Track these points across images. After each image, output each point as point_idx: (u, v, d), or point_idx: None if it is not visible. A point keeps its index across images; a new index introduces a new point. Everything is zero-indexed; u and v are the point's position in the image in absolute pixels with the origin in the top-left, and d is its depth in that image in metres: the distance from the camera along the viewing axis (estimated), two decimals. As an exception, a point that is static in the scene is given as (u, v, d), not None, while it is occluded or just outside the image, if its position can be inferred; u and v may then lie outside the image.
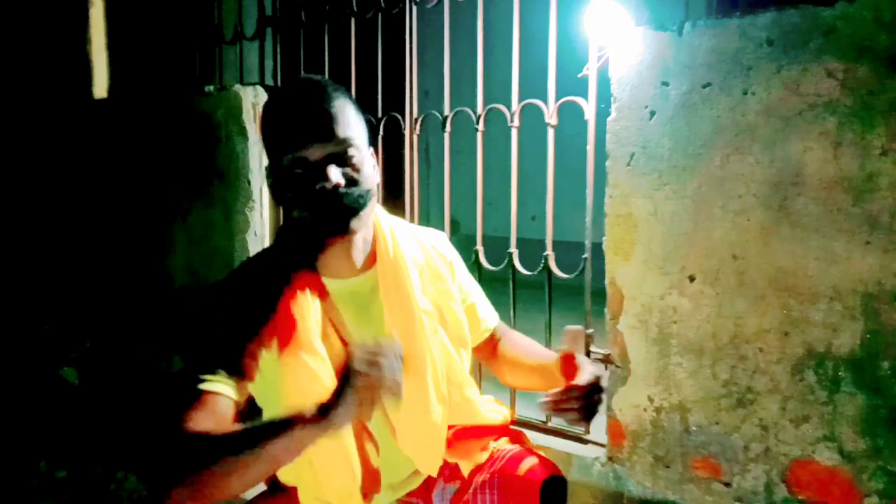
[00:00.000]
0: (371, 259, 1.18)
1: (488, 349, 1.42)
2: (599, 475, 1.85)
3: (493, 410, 1.36)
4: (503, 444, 1.32)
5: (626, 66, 1.73)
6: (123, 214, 2.99)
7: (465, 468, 1.26)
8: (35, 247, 3.30)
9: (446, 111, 2.15)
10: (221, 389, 1.05)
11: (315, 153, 1.04)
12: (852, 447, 1.51)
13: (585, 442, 1.94)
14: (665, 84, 1.67)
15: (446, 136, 2.17)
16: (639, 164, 1.72)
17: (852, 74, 1.45)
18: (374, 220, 1.19)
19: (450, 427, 1.28)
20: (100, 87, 3.13)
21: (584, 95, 1.87)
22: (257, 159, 2.57)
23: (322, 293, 1.13)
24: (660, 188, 1.70)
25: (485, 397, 1.37)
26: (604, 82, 1.81)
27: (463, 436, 1.30)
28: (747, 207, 1.58)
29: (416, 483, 1.28)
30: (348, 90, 1.16)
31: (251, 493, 1.21)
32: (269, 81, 2.64)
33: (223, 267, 2.66)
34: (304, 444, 0.94)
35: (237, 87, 2.58)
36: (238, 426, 1.02)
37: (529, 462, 1.23)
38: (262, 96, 2.57)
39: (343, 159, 1.06)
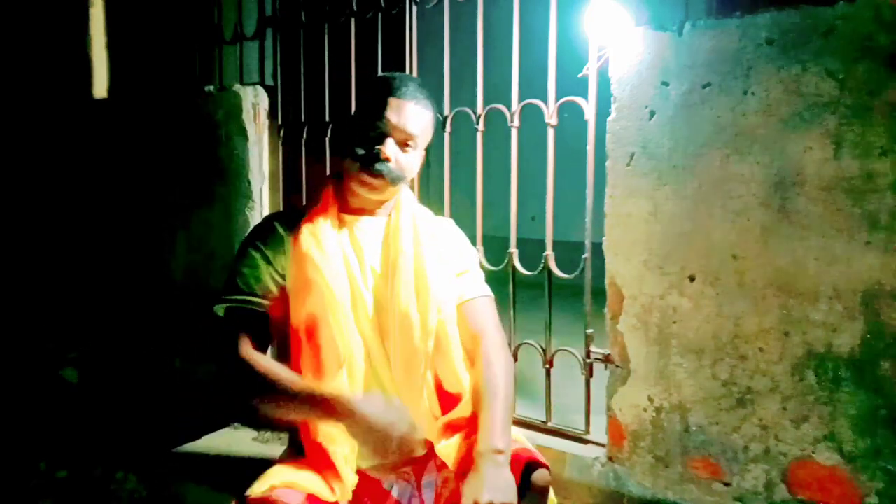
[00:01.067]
0: (383, 211, 1.45)
1: (460, 324, 1.43)
2: (599, 475, 1.85)
3: (467, 370, 1.41)
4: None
5: (626, 66, 1.73)
6: (123, 214, 2.99)
7: (452, 462, 1.31)
8: (35, 247, 3.30)
9: (446, 111, 2.15)
10: (256, 309, 1.32)
11: (388, 130, 1.34)
12: (852, 447, 1.51)
13: (585, 442, 1.94)
14: (665, 84, 1.67)
15: (446, 136, 2.17)
16: (639, 164, 1.72)
17: (852, 74, 1.45)
18: (400, 197, 1.45)
19: (443, 417, 1.36)
20: (100, 87, 3.13)
21: (584, 95, 1.87)
22: (257, 159, 2.57)
23: (341, 221, 1.41)
24: (660, 188, 1.70)
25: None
26: (604, 82, 1.81)
27: (452, 430, 1.35)
28: (747, 207, 1.58)
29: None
30: (438, 81, 1.52)
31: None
32: (269, 81, 2.64)
33: (223, 267, 2.66)
34: (322, 420, 1.25)
35: (237, 87, 2.58)
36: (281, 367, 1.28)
37: (514, 448, 1.30)
38: (263, 96, 2.57)
39: (402, 145, 1.36)
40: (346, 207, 1.43)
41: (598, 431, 1.91)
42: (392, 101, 1.34)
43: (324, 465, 1.29)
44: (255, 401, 1.27)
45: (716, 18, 1.62)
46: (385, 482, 1.36)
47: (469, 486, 1.19)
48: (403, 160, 1.36)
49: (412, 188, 2.23)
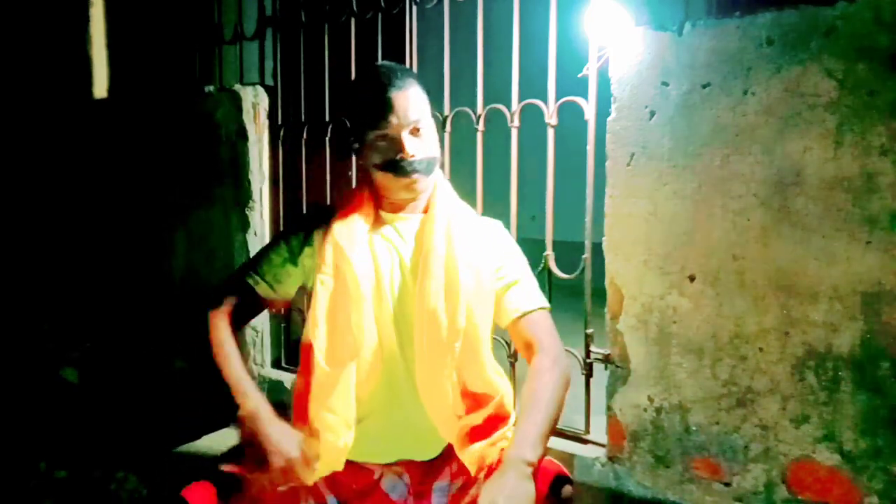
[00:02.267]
0: (423, 210, 1.43)
1: (515, 337, 1.42)
2: (599, 475, 1.85)
3: (497, 373, 1.38)
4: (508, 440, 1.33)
5: (626, 66, 1.73)
6: (123, 214, 2.99)
7: (474, 468, 1.29)
8: (35, 247, 3.30)
9: (446, 111, 2.15)
10: (252, 285, 1.41)
11: (394, 130, 1.32)
12: (852, 447, 1.51)
13: (585, 442, 1.94)
14: (665, 84, 1.67)
15: (446, 136, 2.17)
16: (639, 164, 1.72)
17: (852, 74, 1.45)
18: (434, 185, 1.42)
19: (467, 421, 1.34)
20: (100, 87, 3.13)
21: (584, 95, 1.87)
22: (257, 159, 2.57)
23: (377, 218, 1.41)
24: (660, 188, 1.70)
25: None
26: (604, 82, 1.81)
27: (476, 437, 1.31)
28: (747, 207, 1.58)
29: (408, 455, 1.39)
30: (438, 80, 1.50)
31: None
32: (269, 81, 2.64)
33: (223, 267, 2.66)
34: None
35: (237, 87, 2.58)
36: (233, 347, 1.37)
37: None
38: (263, 96, 2.57)
39: (415, 132, 1.33)
40: (382, 205, 1.42)
41: (598, 431, 1.91)
42: (388, 100, 1.31)
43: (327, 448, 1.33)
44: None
45: (716, 18, 1.62)
46: (375, 473, 1.39)
47: (488, 487, 1.16)
48: (424, 145, 1.34)
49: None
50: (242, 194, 2.58)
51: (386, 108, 1.31)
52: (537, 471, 1.19)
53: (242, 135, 2.56)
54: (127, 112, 2.96)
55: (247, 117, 2.55)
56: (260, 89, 2.57)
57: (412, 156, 1.32)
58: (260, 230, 2.59)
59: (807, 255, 1.52)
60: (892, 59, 1.41)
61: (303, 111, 2.52)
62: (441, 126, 2.16)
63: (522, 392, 1.32)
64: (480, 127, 2.08)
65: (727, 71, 1.59)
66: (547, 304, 1.43)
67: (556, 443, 1.96)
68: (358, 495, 1.38)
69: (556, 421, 1.28)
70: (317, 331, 1.33)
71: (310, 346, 1.34)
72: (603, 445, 1.86)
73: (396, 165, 1.32)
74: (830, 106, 1.48)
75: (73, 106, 3.12)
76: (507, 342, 2.01)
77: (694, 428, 1.69)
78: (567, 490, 1.26)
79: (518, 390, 2.06)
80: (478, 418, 1.33)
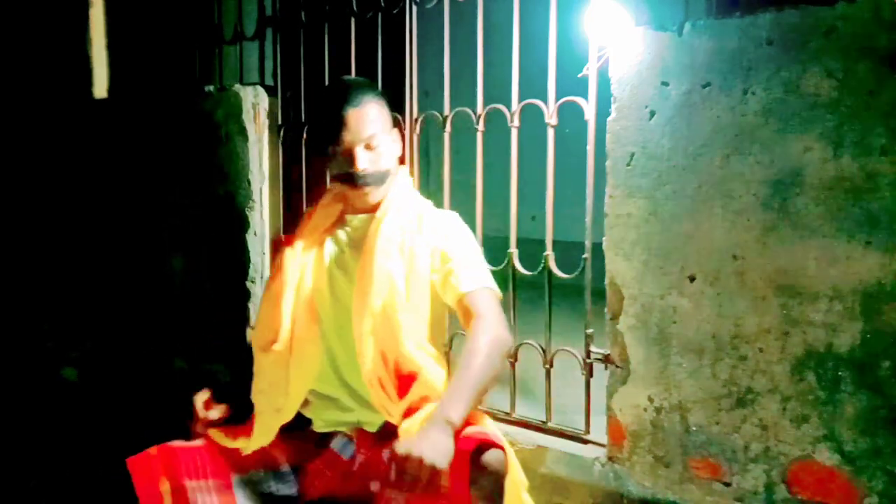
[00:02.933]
0: (376, 207, 1.53)
1: (461, 315, 1.45)
2: (599, 475, 1.85)
3: (427, 354, 1.44)
4: None
5: (626, 66, 1.73)
6: (124, 214, 2.99)
7: None
8: (35, 247, 3.30)
9: (446, 111, 2.15)
10: None
11: (347, 146, 1.45)
12: (852, 447, 1.51)
13: (585, 442, 1.94)
14: (665, 84, 1.67)
15: (446, 136, 2.17)
16: (639, 164, 1.72)
17: (852, 74, 1.45)
18: (392, 184, 1.53)
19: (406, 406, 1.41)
20: (100, 87, 3.13)
21: (584, 95, 1.87)
22: (257, 159, 2.57)
23: (340, 218, 1.57)
24: (660, 188, 1.70)
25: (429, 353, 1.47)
26: (604, 82, 1.81)
27: (413, 410, 1.39)
28: (747, 207, 1.58)
29: (359, 424, 1.51)
30: (376, 85, 1.60)
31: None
32: (269, 81, 2.64)
33: (223, 267, 2.66)
34: None
35: (237, 87, 2.58)
36: None
37: (465, 432, 1.29)
38: (263, 96, 2.57)
39: (368, 147, 1.46)
40: (348, 207, 1.57)
41: (598, 431, 1.91)
42: (339, 119, 1.44)
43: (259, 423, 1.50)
44: None
45: (716, 18, 1.62)
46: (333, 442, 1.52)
47: (406, 439, 1.21)
48: (377, 159, 1.47)
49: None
50: (242, 194, 2.58)
51: (340, 124, 1.44)
52: (460, 434, 1.23)
53: (242, 135, 2.56)
54: (127, 112, 2.96)
55: (247, 117, 2.55)
56: (260, 89, 2.57)
57: (364, 170, 1.45)
58: (260, 230, 2.59)
59: (807, 255, 1.52)
60: (892, 59, 1.41)
61: (303, 111, 2.52)
62: (441, 126, 2.16)
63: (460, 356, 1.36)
64: (480, 127, 2.08)
65: (727, 71, 1.59)
66: (492, 286, 1.48)
67: (556, 443, 1.96)
68: (309, 456, 1.51)
69: (486, 382, 1.31)
70: (255, 321, 1.55)
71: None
72: (603, 445, 1.86)
73: (349, 177, 1.46)
74: (830, 106, 1.48)
75: (73, 106, 3.12)
76: (542, 348, 2.00)
77: (694, 428, 1.69)
78: (492, 456, 1.27)
79: (517, 391, 2.07)
80: (412, 397, 1.40)
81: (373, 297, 1.42)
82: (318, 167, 2.49)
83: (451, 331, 2.17)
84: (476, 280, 1.46)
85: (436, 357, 1.46)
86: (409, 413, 1.39)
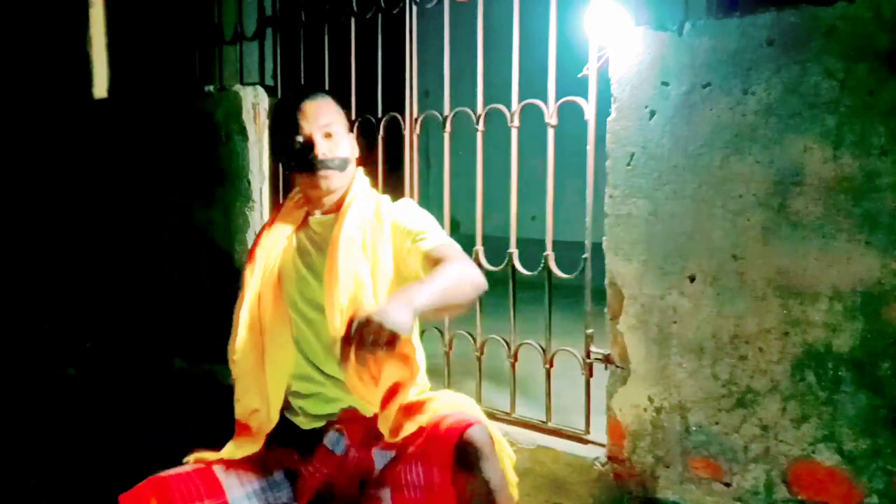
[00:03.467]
0: (338, 207, 1.59)
1: (430, 267, 1.46)
2: (599, 475, 1.85)
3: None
4: (436, 413, 1.44)
5: (626, 66, 1.73)
6: (123, 214, 2.98)
7: (387, 432, 1.45)
8: (35, 247, 3.30)
9: (446, 111, 2.15)
10: None
11: (306, 133, 1.53)
12: (852, 447, 1.51)
13: (585, 442, 1.94)
14: (665, 84, 1.67)
15: (446, 136, 2.17)
16: (639, 164, 1.72)
17: (852, 74, 1.45)
18: (352, 183, 1.60)
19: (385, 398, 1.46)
20: (100, 87, 3.13)
21: (584, 95, 1.87)
22: (257, 159, 2.57)
23: (304, 222, 1.63)
24: (660, 188, 1.70)
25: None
26: (604, 82, 1.81)
27: (390, 396, 1.44)
28: (747, 207, 1.58)
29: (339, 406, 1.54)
30: (332, 91, 1.67)
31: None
32: (269, 81, 2.64)
33: (223, 267, 2.66)
34: None
35: (237, 87, 2.58)
36: None
37: (447, 422, 1.37)
38: (263, 96, 2.57)
39: (327, 136, 1.54)
40: (311, 209, 1.63)
41: (598, 431, 1.91)
42: (297, 110, 1.54)
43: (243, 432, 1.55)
44: None
45: (716, 18, 1.62)
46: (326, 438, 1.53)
47: (374, 313, 1.22)
48: (334, 146, 1.54)
49: (412, 186, 2.24)
50: (243, 194, 2.58)
51: (298, 115, 1.54)
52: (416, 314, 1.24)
53: (242, 135, 2.56)
54: (127, 112, 2.96)
55: (247, 117, 2.55)
56: (260, 89, 2.57)
57: (323, 154, 1.52)
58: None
59: (807, 255, 1.52)
60: (892, 59, 1.41)
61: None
62: (441, 126, 2.16)
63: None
64: (480, 127, 2.08)
65: (727, 71, 1.59)
66: (453, 242, 1.50)
67: (556, 443, 1.96)
68: (303, 457, 1.53)
69: (454, 290, 1.33)
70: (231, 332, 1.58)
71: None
72: (603, 445, 1.86)
73: (309, 165, 1.52)
74: (830, 106, 1.48)
75: (73, 106, 3.12)
76: (542, 348, 2.00)
77: (694, 428, 1.69)
78: (475, 432, 1.31)
79: (517, 391, 2.07)
80: (386, 382, 1.44)
81: (341, 295, 1.46)
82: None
83: (452, 331, 2.18)
84: (438, 238, 1.50)
85: (406, 339, 1.46)
86: (387, 397, 1.45)
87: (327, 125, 1.54)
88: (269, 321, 1.56)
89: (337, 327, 1.45)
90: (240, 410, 1.57)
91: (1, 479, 2.41)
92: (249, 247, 2.56)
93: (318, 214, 1.61)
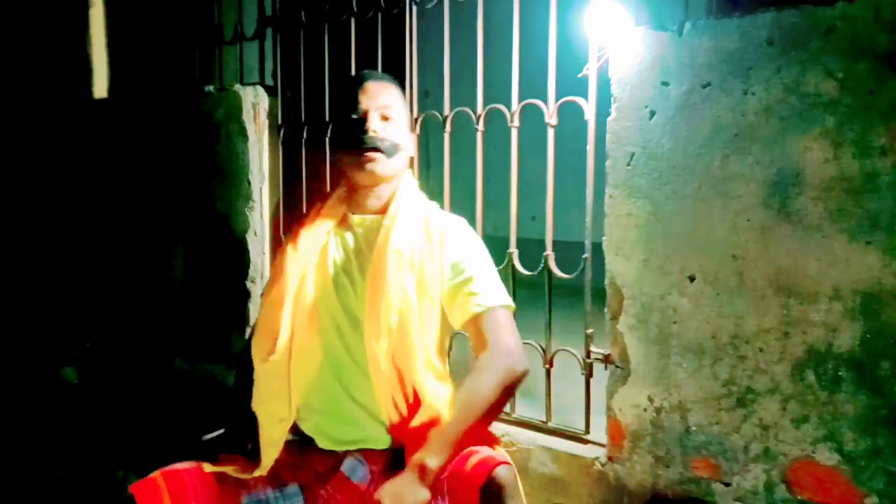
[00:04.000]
0: (384, 210, 1.49)
1: (473, 337, 1.43)
2: (599, 475, 1.85)
3: (437, 377, 1.42)
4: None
5: (626, 66, 1.73)
6: (124, 214, 2.98)
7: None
8: (35, 247, 3.30)
9: (446, 111, 2.15)
10: None
11: (363, 110, 1.44)
12: (852, 447, 1.51)
13: (585, 442, 1.94)
14: (665, 84, 1.67)
15: (446, 136, 2.17)
16: (639, 164, 1.72)
17: (852, 74, 1.45)
18: (399, 185, 1.50)
19: (407, 422, 1.38)
20: (100, 87, 3.13)
21: (584, 95, 1.87)
22: (257, 159, 2.57)
23: (343, 221, 1.51)
24: (660, 188, 1.70)
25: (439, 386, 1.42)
26: (604, 82, 1.81)
27: (414, 443, 1.34)
28: (747, 207, 1.58)
29: (368, 442, 1.43)
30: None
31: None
32: (269, 81, 2.64)
33: (223, 267, 2.66)
34: None
35: (237, 87, 2.58)
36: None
37: (473, 461, 1.26)
38: (263, 96, 2.57)
39: (383, 119, 1.45)
40: (350, 206, 1.52)
41: (598, 431, 1.91)
42: (359, 87, 1.46)
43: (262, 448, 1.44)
44: None
45: (716, 18, 1.62)
46: (338, 457, 1.44)
47: (384, 486, 1.22)
48: (389, 130, 1.45)
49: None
50: (242, 194, 2.58)
51: (357, 90, 1.45)
52: (445, 473, 1.23)
53: (242, 135, 2.56)
54: (127, 112, 2.96)
55: (247, 117, 2.55)
56: (260, 89, 2.57)
57: (374, 131, 1.42)
58: (260, 230, 2.59)
59: (807, 255, 1.52)
60: (892, 59, 1.41)
61: (303, 111, 2.52)
62: (441, 126, 2.16)
63: (460, 389, 1.34)
64: (480, 127, 2.08)
65: (727, 71, 1.59)
66: (508, 302, 1.44)
67: (556, 443, 1.96)
68: (319, 478, 1.43)
69: (483, 420, 1.30)
70: (254, 329, 1.48)
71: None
72: (603, 445, 1.86)
73: (359, 140, 1.42)
74: (830, 106, 1.48)
75: (73, 106, 3.12)
76: (542, 348, 1.99)
77: (694, 428, 1.69)
78: (499, 474, 1.23)
79: (519, 392, 2.07)
80: (420, 419, 1.36)
81: (387, 315, 1.37)
82: (318, 167, 2.49)
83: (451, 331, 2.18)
84: (491, 296, 1.41)
85: (442, 374, 1.44)
86: (415, 435, 1.36)
87: (386, 107, 1.45)
88: (300, 324, 1.43)
89: (377, 348, 1.36)
90: (262, 414, 1.45)
91: (1, 479, 2.41)
92: (260, 243, 2.59)
93: (360, 214, 1.50)
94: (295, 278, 1.45)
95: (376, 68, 2.28)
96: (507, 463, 1.27)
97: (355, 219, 1.50)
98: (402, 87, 1.58)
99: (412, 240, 1.43)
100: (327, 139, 2.45)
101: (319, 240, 1.48)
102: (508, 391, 1.33)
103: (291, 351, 1.43)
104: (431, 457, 1.23)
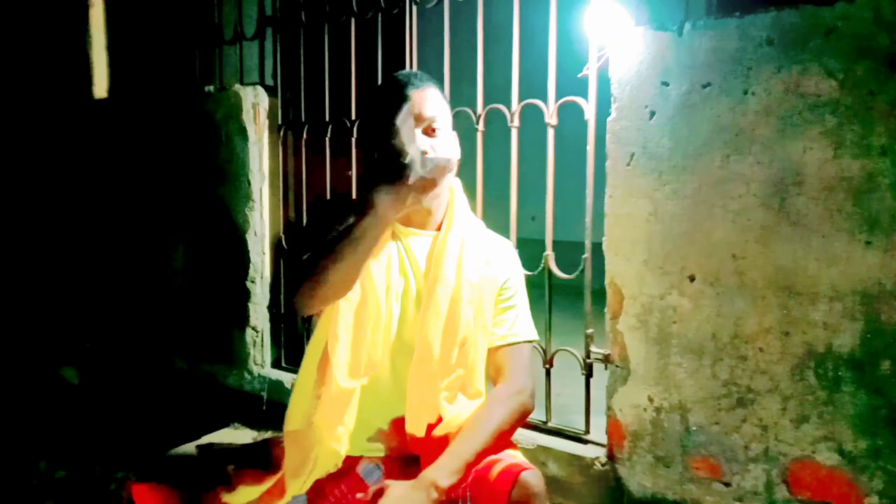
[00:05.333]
0: (438, 226, 1.43)
1: (490, 362, 1.42)
2: (599, 475, 1.85)
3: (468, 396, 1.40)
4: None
5: (626, 66, 1.73)
6: (124, 214, 2.99)
7: None
8: (36, 247, 3.30)
9: (446, 111, 2.15)
10: None
11: (410, 125, 1.26)
12: (852, 447, 1.51)
13: (585, 442, 1.94)
14: (665, 84, 1.67)
15: (446, 136, 2.16)
16: (639, 164, 1.72)
17: (852, 74, 1.45)
18: (451, 197, 1.44)
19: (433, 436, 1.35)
20: (100, 87, 3.13)
21: (584, 95, 1.87)
22: (257, 159, 2.57)
23: (394, 232, 1.41)
24: (660, 188, 1.70)
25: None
26: (604, 82, 1.81)
27: (434, 450, 1.33)
28: (747, 207, 1.58)
29: (386, 451, 1.40)
30: (439, 81, 1.44)
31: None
32: (269, 81, 2.64)
33: (223, 267, 2.66)
34: (366, 236, 1.21)
35: (237, 87, 2.58)
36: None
37: (498, 468, 1.26)
38: (263, 96, 2.57)
39: (430, 131, 1.34)
40: (404, 221, 1.41)
41: (598, 431, 1.91)
42: (405, 96, 1.31)
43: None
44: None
45: (716, 18, 1.62)
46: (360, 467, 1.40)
47: (390, 489, 1.22)
48: (439, 144, 1.34)
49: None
50: (242, 194, 2.58)
51: (402, 103, 1.26)
52: (467, 480, 1.23)
53: (242, 135, 2.56)
54: (127, 112, 2.96)
55: (247, 117, 2.55)
56: (260, 89, 2.57)
57: (424, 151, 1.27)
58: (260, 230, 2.59)
59: (807, 255, 1.52)
60: (892, 59, 1.41)
61: (303, 111, 2.52)
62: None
63: (473, 414, 1.34)
64: (480, 127, 2.08)
65: (727, 71, 1.59)
66: (534, 336, 1.47)
67: (556, 443, 1.96)
68: (333, 477, 1.40)
69: (490, 450, 1.29)
70: (337, 346, 1.34)
71: (328, 360, 1.35)
72: (603, 445, 1.86)
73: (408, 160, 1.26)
74: (830, 106, 1.48)
75: (74, 106, 3.12)
76: (542, 348, 1.99)
77: (694, 428, 1.69)
78: (526, 479, 1.23)
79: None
80: (437, 433, 1.35)
81: (445, 346, 1.34)
82: (318, 167, 2.49)
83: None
84: (524, 329, 1.44)
85: (479, 393, 1.41)
86: (432, 446, 1.34)
87: (432, 118, 1.34)
88: (375, 344, 1.36)
89: (441, 384, 1.33)
90: (337, 437, 1.34)
91: (2, 478, 2.41)
92: (260, 243, 2.59)
93: (408, 227, 1.42)
94: (382, 297, 1.36)
95: (376, 68, 2.28)
96: (533, 468, 1.26)
97: (405, 233, 1.42)
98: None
99: (477, 267, 1.40)
100: (327, 139, 2.45)
101: (382, 259, 1.38)
102: (518, 424, 1.38)
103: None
104: (444, 477, 1.23)
